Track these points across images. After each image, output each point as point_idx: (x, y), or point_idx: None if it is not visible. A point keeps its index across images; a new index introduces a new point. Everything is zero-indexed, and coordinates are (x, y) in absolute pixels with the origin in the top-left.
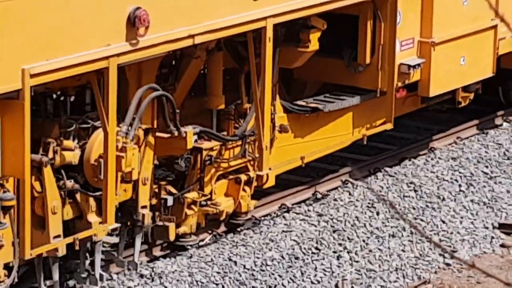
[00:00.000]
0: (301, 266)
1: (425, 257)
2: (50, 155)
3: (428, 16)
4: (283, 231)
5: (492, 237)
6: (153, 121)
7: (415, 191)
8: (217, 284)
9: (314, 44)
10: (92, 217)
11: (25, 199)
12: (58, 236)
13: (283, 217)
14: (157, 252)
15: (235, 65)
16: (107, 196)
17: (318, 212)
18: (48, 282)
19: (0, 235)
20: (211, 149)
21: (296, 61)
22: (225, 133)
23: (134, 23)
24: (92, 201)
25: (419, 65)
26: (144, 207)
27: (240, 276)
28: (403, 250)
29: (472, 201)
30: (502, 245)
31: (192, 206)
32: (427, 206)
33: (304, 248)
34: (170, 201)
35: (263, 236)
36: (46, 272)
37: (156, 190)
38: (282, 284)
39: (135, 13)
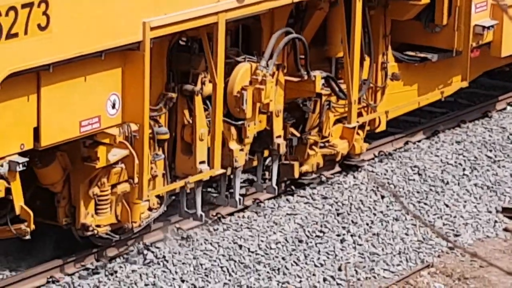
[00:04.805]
0: (304, 249)
1: (428, 241)
2: (199, 85)
3: None
4: (287, 214)
5: (495, 221)
6: (283, 63)
7: (419, 174)
8: (221, 267)
9: None
10: (233, 145)
11: (143, 145)
12: (203, 162)
13: (287, 200)
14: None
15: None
16: (215, 143)
17: (323, 195)
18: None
19: (154, 166)
20: (330, 94)
21: (407, 13)
22: (342, 80)
23: None
24: (233, 130)
25: (492, 26)
26: (278, 136)
27: (244, 259)
28: (406, 234)
29: (475, 185)
30: (505, 229)
31: (313, 147)
32: (431, 189)
33: (308, 231)
34: (294, 141)
35: (267, 219)
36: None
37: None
38: (286, 267)
39: None
